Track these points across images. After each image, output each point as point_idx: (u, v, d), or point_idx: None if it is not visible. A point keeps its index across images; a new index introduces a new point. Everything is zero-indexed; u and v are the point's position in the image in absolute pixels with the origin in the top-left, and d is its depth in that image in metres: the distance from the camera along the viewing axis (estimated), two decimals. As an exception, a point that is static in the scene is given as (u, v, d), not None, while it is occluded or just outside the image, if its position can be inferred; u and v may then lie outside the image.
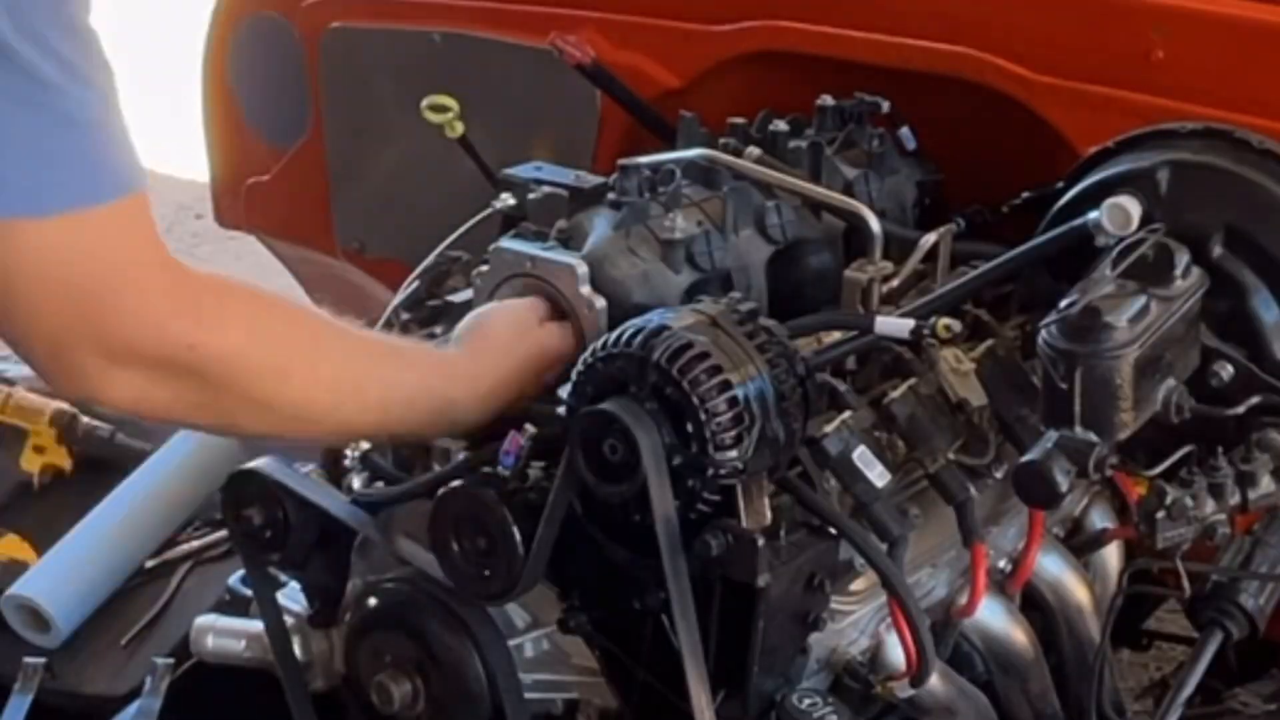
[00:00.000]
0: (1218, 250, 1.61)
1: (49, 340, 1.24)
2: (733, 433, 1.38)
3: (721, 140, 1.81)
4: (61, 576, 2.19)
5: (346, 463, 1.65)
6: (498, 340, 1.55)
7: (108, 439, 2.33)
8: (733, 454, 1.38)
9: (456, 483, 1.51)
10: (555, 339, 1.57)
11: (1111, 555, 1.85)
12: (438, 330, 1.73)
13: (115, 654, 2.13)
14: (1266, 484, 1.56)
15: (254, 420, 1.37)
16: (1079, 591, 1.75)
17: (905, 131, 1.93)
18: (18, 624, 2.16)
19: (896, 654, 1.52)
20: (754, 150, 1.79)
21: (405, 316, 1.76)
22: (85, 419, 2.33)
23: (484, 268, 1.64)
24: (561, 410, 1.48)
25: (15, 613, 2.16)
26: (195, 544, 2.27)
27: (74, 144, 1.18)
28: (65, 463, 2.33)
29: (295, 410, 1.38)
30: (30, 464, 2.33)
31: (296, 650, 1.70)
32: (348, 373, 1.42)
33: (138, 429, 2.33)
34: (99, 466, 2.32)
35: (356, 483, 1.65)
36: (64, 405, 2.33)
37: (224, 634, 1.77)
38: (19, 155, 1.16)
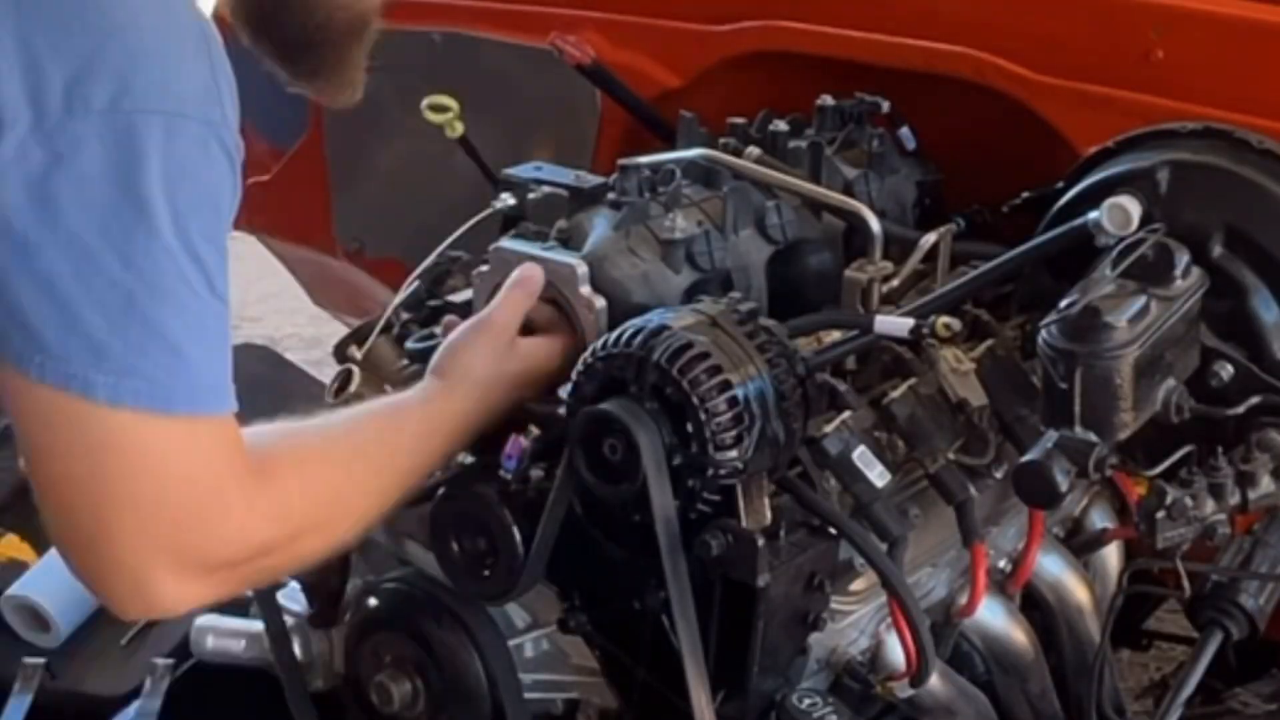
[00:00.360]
0: (1218, 250, 1.61)
1: (121, 545, 1.20)
2: (733, 433, 1.38)
3: (721, 140, 1.81)
4: (61, 576, 2.18)
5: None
6: (477, 373, 1.52)
7: None
8: (733, 454, 1.38)
9: (457, 483, 1.52)
10: (537, 355, 1.55)
11: (1111, 555, 1.85)
12: (438, 330, 1.73)
13: (115, 654, 2.12)
14: (1266, 484, 1.56)
15: (317, 559, 1.39)
16: (1079, 591, 1.75)
17: (905, 131, 1.93)
18: (18, 624, 2.15)
19: (896, 654, 1.52)
20: (754, 150, 1.79)
21: (405, 316, 1.76)
22: None
23: (484, 268, 1.64)
24: (561, 410, 1.48)
25: (15, 613, 2.16)
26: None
27: (207, 352, 1.20)
28: None
29: (327, 549, 1.38)
30: None
31: (296, 650, 1.70)
32: (371, 491, 1.41)
33: (264, 396, 2.36)
34: None
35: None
36: None
37: (224, 634, 1.77)
38: (162, 350, 1.17)
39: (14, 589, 2.16)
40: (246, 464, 1.25)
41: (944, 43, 1.94)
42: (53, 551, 2.22)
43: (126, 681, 2.04)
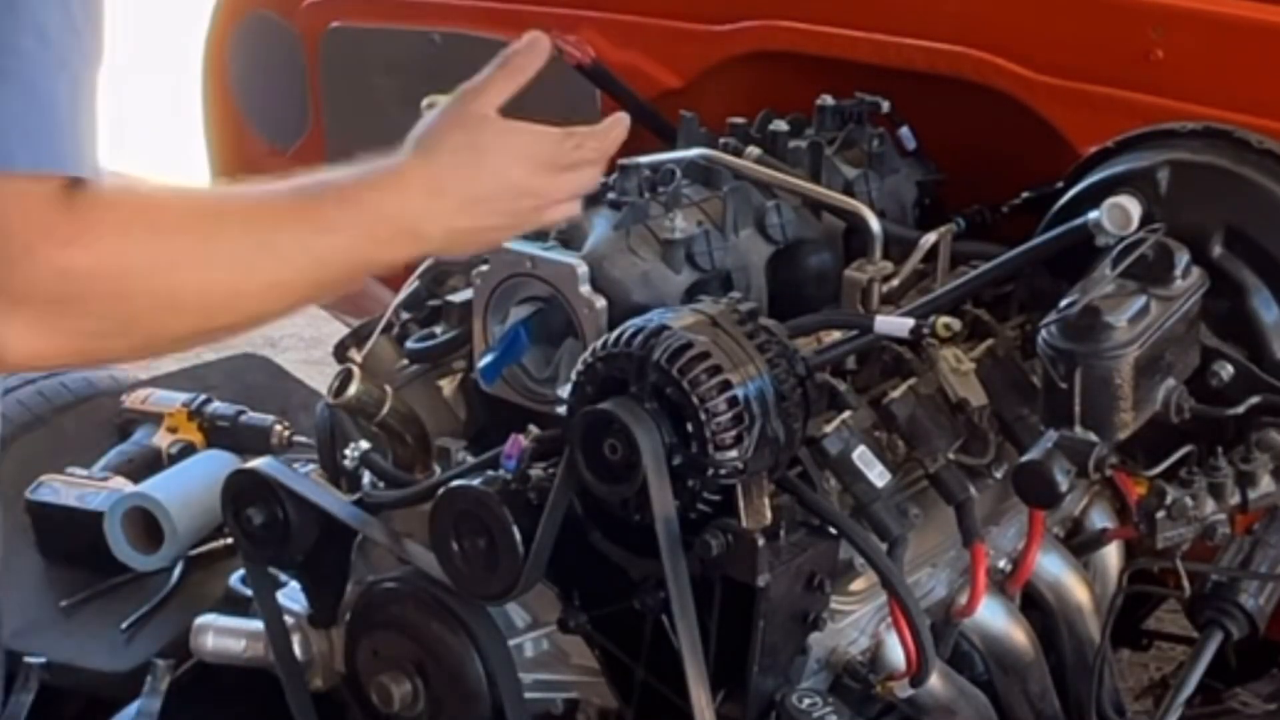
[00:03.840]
0: (1218, 250, 1.61)
1: None
2: (733, 433, 1.38)
3: (721, 140, 1.81)
4: (186, 488, 2.16)
5: (347, 463, 1.65)
6: (430, 141, 1.43)
7: (233, 418, 2.36)
8: (733, 454, 1.38)
9: (457, 482, 1.52)
10: (515, 133, 1.47)
11: (1111, 555, 1.85)
12: (437, 330, 1.73)
13: (115, 636, 2.10)
14: (1266, 484, 1.56)
15: (165, 326, 1.24)
16: (1079, 591, 1.75)
17: (905, 131, 1.93)
18: (124, 536, 2.11)
19: (896, 654, 1.52)
20: (754, 150, 1.79)
21: (405, 316, 1.76)
22: (213, 405, 2.38)
23: (484, 268, 1.64)
24: (561, 410, 1.48)
25: (127, 518, 2.11)
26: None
27: (23, 110, 1.12)
28: (197, 439, 2.37)
29: (199, 299, 1.25)
30: (162, 440, 2.37)
31: (296, 650, 1.70)
32: (247, 240, 1.31)
33: (263, 406, 2.38)
34: (226, 445, 2.35)
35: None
36: (193, 396, 2.40)
37: (224, 633, 1.77)
38: None
39: (138, 488, 2.15)
40: (59, 215, 1.15)
41: (944, 43, 1.94)
42: (178, 467, 2.23)
43: (128, 660, 2.03)
